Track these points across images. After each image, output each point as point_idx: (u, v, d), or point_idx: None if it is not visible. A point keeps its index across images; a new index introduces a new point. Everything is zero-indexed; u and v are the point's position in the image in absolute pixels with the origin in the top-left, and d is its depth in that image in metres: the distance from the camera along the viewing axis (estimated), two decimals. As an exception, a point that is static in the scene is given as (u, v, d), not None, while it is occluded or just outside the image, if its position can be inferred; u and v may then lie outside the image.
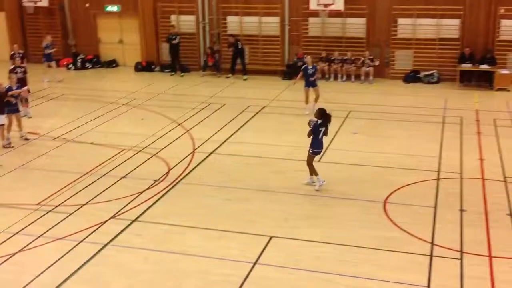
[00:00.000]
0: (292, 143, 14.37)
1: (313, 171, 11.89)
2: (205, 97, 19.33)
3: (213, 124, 16.30)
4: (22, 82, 16.37)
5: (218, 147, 14.41)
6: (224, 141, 14.88)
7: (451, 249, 9.41)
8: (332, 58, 21.88)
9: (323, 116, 11.61)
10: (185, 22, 23.56)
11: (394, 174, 12.62)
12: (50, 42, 22.07)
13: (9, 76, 15.06)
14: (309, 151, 11.83)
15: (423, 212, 10.81)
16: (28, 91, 16.22)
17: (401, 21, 21.44)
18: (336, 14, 21.74)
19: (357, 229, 10.18)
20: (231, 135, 15.31)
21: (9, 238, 10.01)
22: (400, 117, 17.04)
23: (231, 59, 22.43)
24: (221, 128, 15.86)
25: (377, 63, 21.55)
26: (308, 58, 17.67)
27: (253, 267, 9.00)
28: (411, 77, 21.48)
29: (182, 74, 22.97)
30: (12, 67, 17.19)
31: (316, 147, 11.79)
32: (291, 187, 11.89)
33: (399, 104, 18.56)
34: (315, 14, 21.99)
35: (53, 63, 22.18)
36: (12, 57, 18.64)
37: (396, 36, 21.60)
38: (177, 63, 23.08)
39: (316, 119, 11.64)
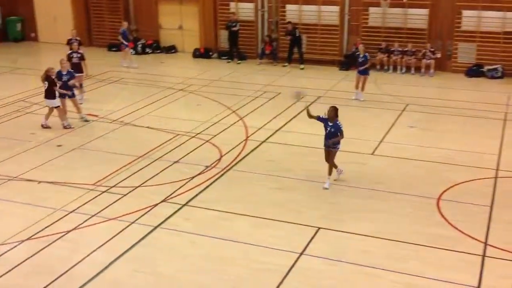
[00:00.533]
0: (345, 134, 14.19)
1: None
2: (260, 85, 19.33)
3: (267, 112, 16.30)
4: (77, 67, 16.75)
5: (270, 136, 14.41)
6: (277, 130, 14.85)
7: (506, 250, 9.10)
8: (392, 49, 21.43)
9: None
10: (244, 10, 23.57)
11: (450, 170, 12.28)
12: (127, 28, 22.38)
13: (60, 61, 15.25)
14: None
15: (478, 211, 10.49)
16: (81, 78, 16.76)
17: (465, 13, 20.73)
18: (398, 4, 21.27)
19: (407, 225, 10.00)
20: (284, 125, 15.26)
21: (65, 216, 10.36)
22: (459, 112, 16.54)
23: (288, 47, 22.32)
24: (275, 117, 15.84)
25: (438, 55, 20.96)
26: (360, 47, 17.68)
27: (298, 257, 8.99)
28: (474, 71, 20.78)
29: (239, 61, 23.04)
30: (69, 52, 17.48)
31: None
32: (340, 178, 11.77)
33: (460, 99, 18.00)
34: (375, 3, 21.58)
35: (128, 49, 22.39)
36: (69, 42, 18.99)
37: (460, 29, 20.92)
38: (236, 51, 23.15)
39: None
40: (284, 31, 22.51)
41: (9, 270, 8.66)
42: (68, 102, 15.27)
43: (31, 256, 9.06)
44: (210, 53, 24.10)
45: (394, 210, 10.55)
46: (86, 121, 15.36)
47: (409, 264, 8.78)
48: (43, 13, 26.64)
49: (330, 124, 11.34)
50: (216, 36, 24.22)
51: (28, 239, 9.55)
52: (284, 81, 20.13)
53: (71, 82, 14.98)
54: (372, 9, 21.90)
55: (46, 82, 14.66)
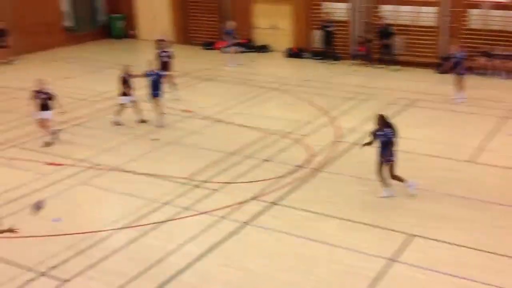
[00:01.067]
0: (440, 139, 13.78)
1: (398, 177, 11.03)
2: (353, 86, 19.11)
3: (359, 114, 16.09)
4: (166, 66, 17.23)
5: (362, 138, 14.21)
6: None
7: None
8: (494, 53, 20.50)
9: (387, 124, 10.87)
10: (338, 10, 23.38)
11: (553, 182, 11.62)
12: (233, 28, 22.62)
13: (150, 60, 15.60)
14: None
15: None
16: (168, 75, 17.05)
17: None
18: (500, 6, 20.31)
19: (506, 237, 9.55)
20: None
21: (159, 207, 10.76)
22: None
23: (382, 48, 21.91)
24: (367, 119, 15.59)
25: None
26: (454, 47, 17.38)
27: (388, 263, 8.83)
28: None
29: (332, 62, 22.89)
30: (158, 51, 17.81)
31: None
32: (434, 185, 11.43)
33: None
34: (476, 5, 20.72)
35: (233, 49, 22.71)
36: (158, 41, 19.31)
37: None
38: (330, 51, 23.02)
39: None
40: (378, 32, 22.11)
41: (106, 256, 9.11)
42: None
43: (127, 244, 9.49)
44: (303, 53, 24.11)
45: (491, 221, 10.11)
46: (143, 121, 15.45)
47: (508, 279, 8.38)
48: (144, 11, 27.70)
49: (381, 133, 10.83)
50: (309, 36, 24.19)
51: (124, 227, 10.00)
52: (378, 83, 19.78)
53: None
54: (472, 11, 21.05)
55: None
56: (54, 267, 8.78)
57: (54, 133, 13.97)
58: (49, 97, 13.72)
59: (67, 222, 10.21)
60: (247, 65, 22.75)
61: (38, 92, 13.63)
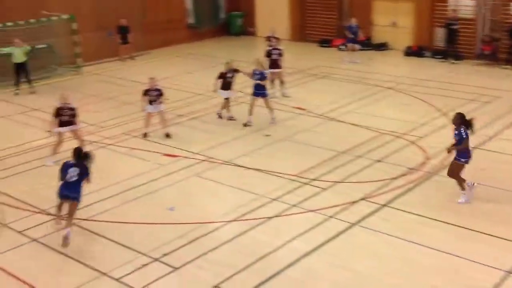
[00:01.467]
0: None
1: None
2: (476, 87, 18.17)
3: (481, 117, 15.21)
4: (276, 63, 17.21)
5: (483, 143, 13.48)
6: (492, 137, 13.85)
7: None
8: None
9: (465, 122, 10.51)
10: (464, 7, 22.31)
11: None
12: (355, 24, 22.48)
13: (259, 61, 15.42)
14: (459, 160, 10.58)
15: None
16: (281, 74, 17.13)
17: None
18: None
19: None
20: (500, 131, 14.18)
21: (268, 202, 10.88)
22: None
23: (510, 48, 20.63)
24: (489, 123, 14.79)
25: None
26: None
27: (507, 276, 8.31)
28: None
29: (454, 61, 21.92)
30: (268, 48, 17.78)
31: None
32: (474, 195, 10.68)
33: None
34: None
35: (356, 46, 22.52)
36: (268, 39, 19.26)
37: None
38: (452, 50, 22.05)
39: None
40: (507, 30, 20.84)
41: (216, 247, 9.36)
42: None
43: (236, 237, 9.69)
44: (423, 52, 23.30)
45: None
46: (247, 125, 15.19)
47: None
48: (263, 8, 28.11)
49: (456, 132, 10.48)
50: (432, 34, 23.31)
51: (234, 220, 10.22)
52: (504, 85, 18.64)
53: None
54: None
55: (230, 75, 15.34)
56: (166, 254, 9.16)
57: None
58: (161, 93, 14.32)
59: (180, 212, 10.62)
60: (364, 63, 22.38)
61: (149, 90, 14.26)
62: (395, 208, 10.52)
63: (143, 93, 14.41)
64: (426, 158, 12.68)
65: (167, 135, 14.35)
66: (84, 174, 9.51)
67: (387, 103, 17.11)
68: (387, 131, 14.43)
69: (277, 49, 17.51)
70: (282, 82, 17.58)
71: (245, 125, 15.12)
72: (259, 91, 15.15)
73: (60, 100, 12.92)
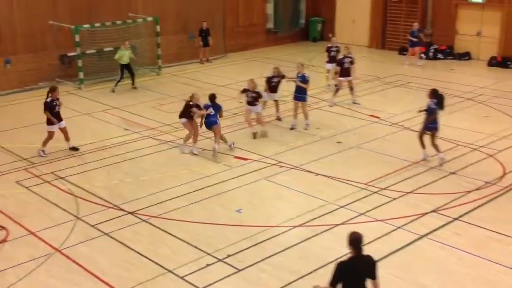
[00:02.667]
0: None
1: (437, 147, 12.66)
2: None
3: None
4: (347, 72, 17.15)
5: None
6: None
7: None
8: None
9: (437, 96, 12.60)
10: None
11: None
12: (417, 29, 22.67)
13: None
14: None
15: None
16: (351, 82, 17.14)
17: None
18: None
19: None
20: None
21: (336, 209, 10.78)
22: None
23: None
24: None
25: None
26: None
27: None
28: None
29: (542, 73, 20.91)
30: (340, 57, 17.70)
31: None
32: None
33: None
34: None
35: (417, 49, 22.78)
36: (327, 50, 19.30)
37: None
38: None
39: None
40: None
41: (281, 251, 9.36)
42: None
43: (301, 242, 9.65)
44: (509, 63, 22.33)
45: None
46: (292, 129, 15.32)
47: None
48: (343, 15, 27.90)
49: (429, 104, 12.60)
50: (518, 44, 22.34)
51: (300, 225, 10.19)
52: None
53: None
54: None
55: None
56: (231, 255, 9.25)
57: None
58: (258, 96, 14.60)
59: (247, 214, 10.70)
60: (443, 72, 21.76)
61: (246, 90, 14.70)
62: (468, 223, 10.15)
63: (242, 91, 14.94)
64: (503, 172, 12.14)
65: (255, 135, 14.67)
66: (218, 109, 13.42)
67: (466, 114, 16.54)
68: (464, 143, 13.95)
69: (348, 57, 17.36)
70: (351, 89, 17.38)
71: (291, 128, 15.27)
72: (299, 94, 15.12)
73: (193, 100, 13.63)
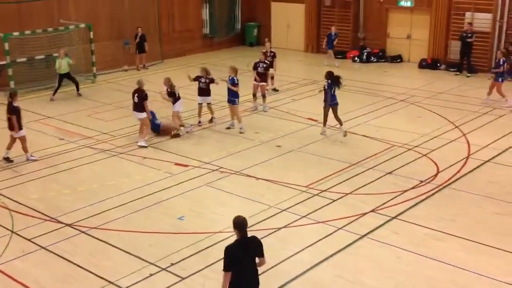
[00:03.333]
0: None
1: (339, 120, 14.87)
2: (490, 101, 18.00)
3: (494, 130, 15.17)
4: (263, 76, 17.39)
5: (495, 156, 13.38)
6: (504, 151, 13.75)
7: None
8: None
9: (332, 78, 14.76)
10: (480, 20, 22.19)
11: None
12: (334, 32, 23.93)
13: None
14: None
15: None
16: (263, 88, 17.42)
17: None
18: None
19: None
20: (513, 145, 14.06)
21: (277, 213, 10.87)
22: None
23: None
24: (503, 136, 14.67)
25: None
26: (498, 53, 17.18)
27: (515, 290, 8.22)
28: None
29: (469, 74, 21.78)
30: (256, 61, 17.77)
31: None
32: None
33: None
34: None
35: (330, 51, 24.09)
36: (264, 54, 19.14)
37: None
38: (467, 63, 21.93)
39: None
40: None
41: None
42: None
43: (244, 247, 9.64)
44: (438, 64, 23.20)
45: None
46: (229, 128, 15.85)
47: None
48: (278, 20, 28.20)
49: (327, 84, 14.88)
50: (447, 47, 23.22)
51: (242, 230, 10.19)
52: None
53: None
54: None
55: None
56: (174, 264, 9.16)
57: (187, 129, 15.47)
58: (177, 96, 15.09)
59: (190, 221, 10.63)
60: (378, 75, 22.34)
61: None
62: (405, 221, 10.45)
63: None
64: (437, 170, 12.59)
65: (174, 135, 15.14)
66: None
67: (400, 115, 17.04)
68: (399, 143, 14.36)
69: (265, 62, 17.59)
70: (263, 96, 17.53)
71: (227, 128, 15.78)
72: (229, 97, 15.48)
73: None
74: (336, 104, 14.88)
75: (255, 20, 29.04)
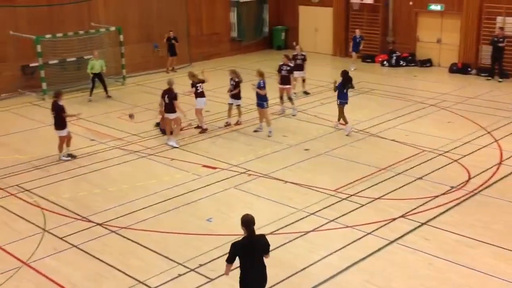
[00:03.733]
0: None
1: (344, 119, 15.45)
2: (522, 106, 17.71)
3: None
4: (286, 80, 17.21)
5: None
6: (537, 157, 13.51)
7: None
8: None
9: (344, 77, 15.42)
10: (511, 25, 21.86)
11: None
12: (359, 35, 24.01)
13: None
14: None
15: None
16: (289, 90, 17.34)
17: None
18: None
19: None
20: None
21: (306, 217, 10.83)
22: None
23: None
24: (537, 142, 14.41)
25: None
26: None
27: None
28: None
29: (500, 79, 21.45)
30: (280, 63, 17.61)
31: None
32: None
33: None
34: None
35: (355, 54, 24.07)
36: (294, 58, 19.12)
37: None
38: (498, 68, 21.61)
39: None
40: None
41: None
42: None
43: (272, 250, 9.52)
44: (469, 69, 22.90)
45: None
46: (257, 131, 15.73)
47: None
48: (306, 24, 28.16)
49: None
50: (477, 51, 22.91)
51: (271, 233, 10.18)
52: (551, 104, 18.15)
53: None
54: None
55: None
56: (202, 265, 9.20)
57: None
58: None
59: (218, 223, 10.66)
60: (407, 79, 22.15)
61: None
62: (436, 227, 10.32)
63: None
64: (468, 176, 12.41)
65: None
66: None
67: (430, 120, 16.86)
68: (429, 148, 14.21)
69: (287, 65, 17.41)
70: (290, 99, 17.39)
71: (255, 131, 15.75)
72: (258, 100, 15.53)
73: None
74: (345, 103, 15.52)
75: (283, 23, 29.04)
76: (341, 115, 15.58)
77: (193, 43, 25.31)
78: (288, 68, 17.43)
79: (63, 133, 13.82)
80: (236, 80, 16.02)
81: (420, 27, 24.75)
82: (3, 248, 9.78)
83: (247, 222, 7.09)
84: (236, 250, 7.08)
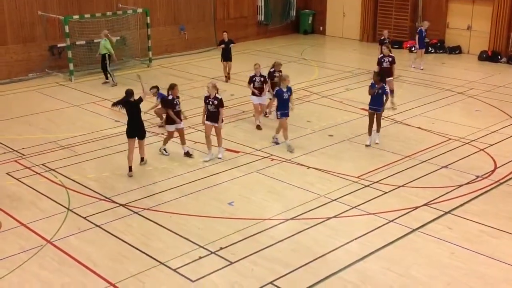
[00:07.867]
0: None
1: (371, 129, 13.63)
2: (553, 96, 17.32)
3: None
4: (388, 72, 16.15)
5: (557, 153, 12.88)
6: None
7: None
8: None
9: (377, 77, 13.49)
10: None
11: None
12: (425, 29, 21.26)
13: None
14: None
15: None
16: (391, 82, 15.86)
17: None
18: None
19: None
20: None
21: (328, 202, 10.78)
22: None
23: None
24: None
25: None
26: None
27: None
28: None
29: (531, 68, 21.01)
30: (379, 56, 16.84)
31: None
32: None
33: None
34: None
35: (421, 51, 21.31)
36: (381, 43, 18.65)
37: None
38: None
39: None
40: None
41: (273, 244, 9.35)
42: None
43: (293, 235, 9.64)
44: (499, 57, 22.44)
45: None
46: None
47: None
48: (334, 8, 27.87)
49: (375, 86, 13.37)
50: (508, 39, 22.42)
51: (292, 218, 10.19)
52: None
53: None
54: None
55: None
56: (223, 248, 9.23)
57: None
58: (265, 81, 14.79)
59: (239, 207, 10.68)
60: (436, 66, 21.80)
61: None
62: (459, 216, 10.19)
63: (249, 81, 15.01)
64: (494, 166, 12.21)
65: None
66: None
67: (457, 108, 16.60)
68: (456, 136, 14.00)
69: (390, 56, 16.45)
70: (391, 92, 15.93)
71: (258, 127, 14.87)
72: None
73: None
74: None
75: (310, 7, 28.80)
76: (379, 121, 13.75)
77: (219, 26, 25.25)
78: (390, 59, 16.37)
79: (180, 125, 12.94)
80: (264, 76, 15.05)
81: (450, 13, 24.30)
82: (28, 226, 9.95)
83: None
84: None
